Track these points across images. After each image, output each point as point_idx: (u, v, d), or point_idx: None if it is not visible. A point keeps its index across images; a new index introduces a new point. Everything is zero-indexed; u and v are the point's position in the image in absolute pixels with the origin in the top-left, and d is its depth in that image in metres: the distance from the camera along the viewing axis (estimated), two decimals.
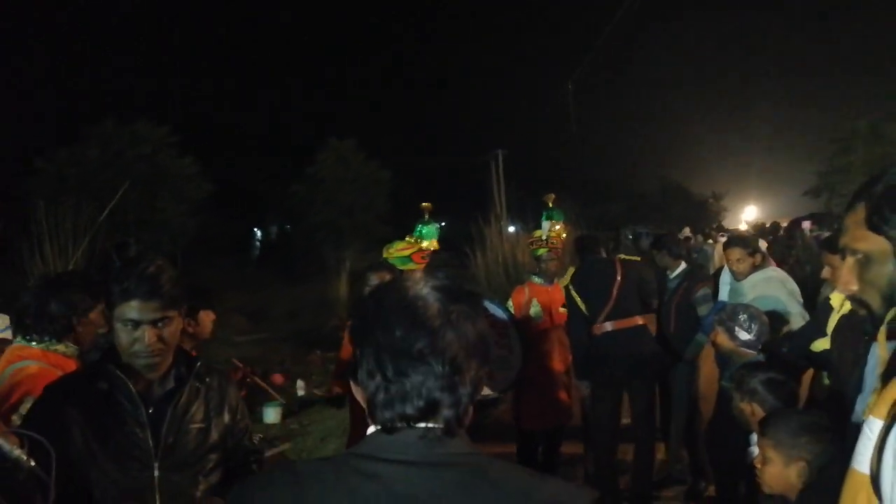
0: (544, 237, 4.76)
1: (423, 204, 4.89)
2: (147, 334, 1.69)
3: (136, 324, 1.69)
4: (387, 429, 1.02)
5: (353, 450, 1.07)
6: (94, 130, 16.85)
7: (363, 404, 1.07)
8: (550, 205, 4.99)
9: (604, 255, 4.76)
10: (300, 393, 7.70)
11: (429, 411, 1.01)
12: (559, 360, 4.60)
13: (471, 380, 1.03)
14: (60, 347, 2.29)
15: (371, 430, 1.06)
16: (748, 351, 3.36)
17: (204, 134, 23.89)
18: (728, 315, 3.52)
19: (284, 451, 5.68)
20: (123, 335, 1.71)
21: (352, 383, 1.09)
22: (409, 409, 1.01)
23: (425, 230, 4.72)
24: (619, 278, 4.37)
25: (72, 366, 2.23)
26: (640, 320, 4.40)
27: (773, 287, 4.12)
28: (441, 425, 1.02)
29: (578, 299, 4.45)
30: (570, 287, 4.50)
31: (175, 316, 1.77)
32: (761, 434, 2.17)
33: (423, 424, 1.02)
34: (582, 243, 4.88)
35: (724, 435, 3.35)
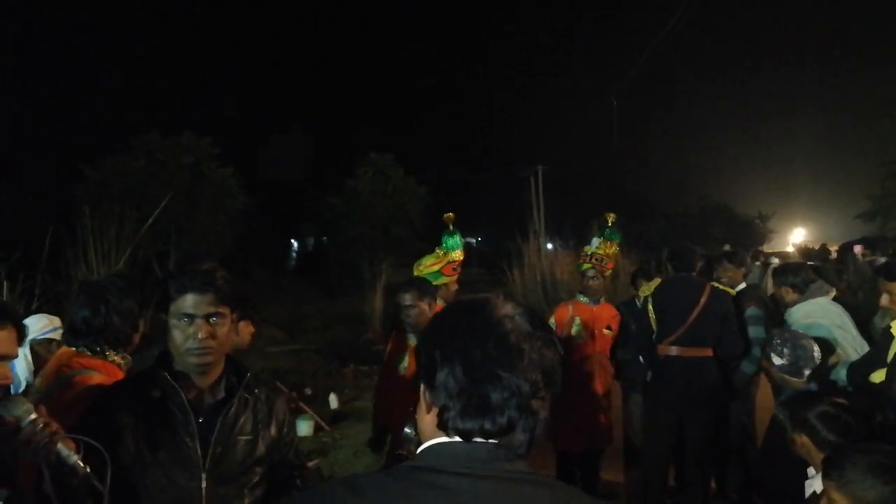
0: (589, 252, 4.61)
1: (447, 215, 4.77)
2: (201, 329, 1.72)
3: (191, 318, 1.73)
4: (463, 437, 1.04)
5: (413, 462, 1.08)
6: (141, 141, 17.25)
7: (430, 405, 1.08)
8: (610, 223, 4.81)
9: (696, 274, 4.47)
10: (332, 406, 7.66)
11: (507, 429, 1.04)
12: (599, 382, 4.47)
13: (544, 405, 1.07)
14: (117, 359, 2.25)
15: (431, 442, 1.07)
16: (794, 379, 3.23)
17: (244, 145, 24.35)
18: (769, 339, 3.46)
19: (319, 466, 5.62)
20: (178, 332, 1.75)
21: (423, 387, 1.11)
22: (489, 424, 1.03)
23: (450, 241, 4.63)
24: (702, 302, 4.17)
25: (119, 376, 2.18)
26: (709, 351, 4.19)
27: (814, 319, 3.99)
28: (513, 444, 1.05)
29: (653, 316, 4.30)
30: (649, 300, 4.36)
31: (227, 314, 1.80)
32: (824, 474, 2.05)
33: (496, 441, 1.04)
34: (676, 255, 4.57)
35: (774, 466, 3.21)
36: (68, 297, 2.37)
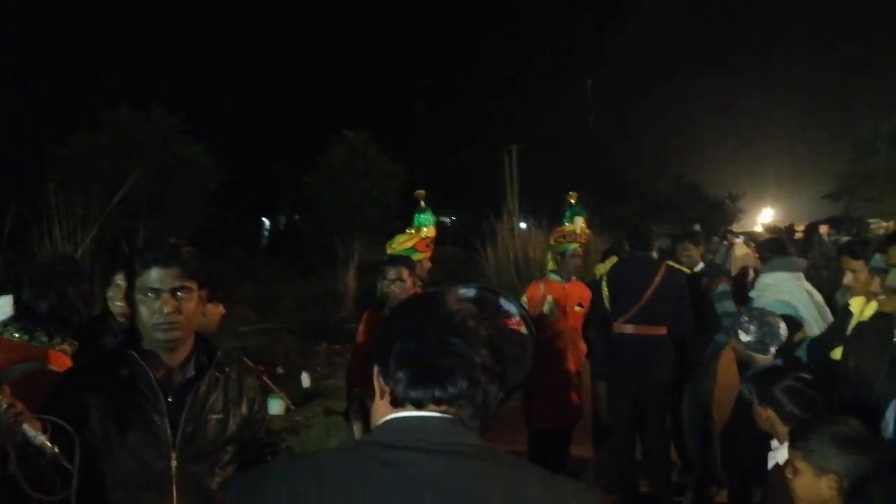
0: (578, 231, 4.64)
1: (417, 192, 4.79)
2: (167, 304, 1.71)
3: (157, 293, 1.72)
4: (415, 405, 1.07)
5: (371, 437, 1.10)
6: (109, 117, 16.85)
7: (384, 390, 1.11)
8: (574, 202, 4.87)
9: (654, 254, 4.54)
10: (305, 385, 7.65)
11: (457, 398, 1.06)
12: (572, 360, 4.54)
13: (495, 379, 1.09)
14: (66, 346, 2.16)
15: (386, 418, 1.09)
16: (760, 356, 3.30)
17: (215, 122, 23.89)
18: (737, 317, 3.54)
19: (289, 444, 5.63)
20: (144, 308, 1.73)
21: (376, 369, 1.13)
22: (439, 391, 1.06)
23: (422, 218, 4.65)
24: (657, 281, 4.23)
25: (68, 364, 2.10)
26: (663, 329, 4.28)
27: (777, 291, 4.10)
28: (465, 416, 1.07)
29: (606, 293, 4.36)
30: (604, 279, 4.42)
31: (194, 289, 1.78)
32: (791, 444, 2.11)
33: (446, 412, 1.07)
34: (635, 234, 4.58)
35: (739, 440, 3.29)
36: (29, 279, 2.20)
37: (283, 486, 1.03)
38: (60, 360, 2.11)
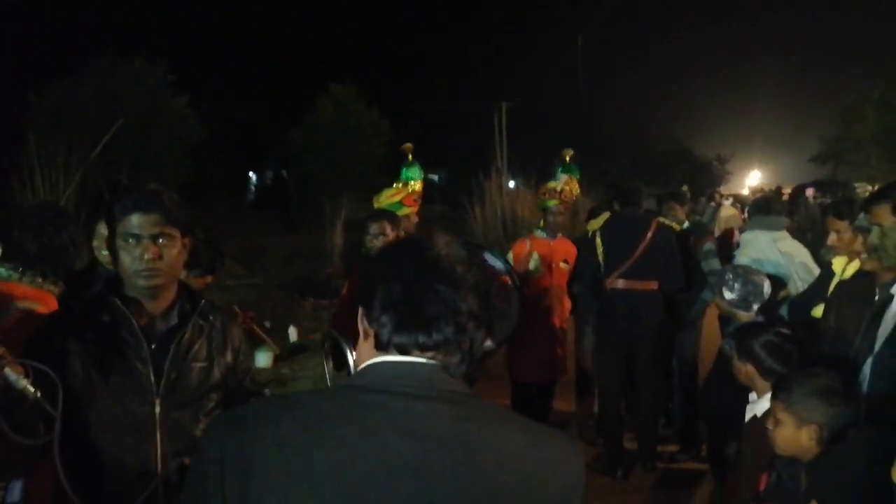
0: (559, 189, 4.65)
1: (405, 145, 4.74)
2: (147, 250, 1.68)
3: (137, 239, 1.69)
4: (400, 351, 1.05)
5: (352, 381, 1.09)
6: (91, 64, 16.44)
7: (367, 332, 1.09)
8: (568, 160, 4.87)
9: (642, 211, 4.61)
10: (292, 339, 7.69)
11: (442, 344, 1.05)
12: (556, 315, 4.58)
13: (481, 326, 1.08)
14: (54, 288, 2.14)
15: (371, 361, 1.07)
16: (742, 313, 3.34)
17: (201, 74, 23.36)
18: (722, 274, 3.57)
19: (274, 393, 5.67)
20: (124, 254, 1.71)
21: (361, 310, 1.11)
22: (424, 338, 1.04)
23: (409, 172, 4.62)
24: (648, 237, 4.26)
25: (55, 306, 2.09)
26: (654, 285, 4.32)
27: (752, 249, 4.13)
28: (450, 363, 1.06)
29: (600, 248, 4.39)
30: (598, 234, 4.45)
31: (177, 237, 1.75)
32: (773, 396, 2.15)
33: (432, 359, 1.05)
34: (622, 193, 4.67)
35: (719, 395, 3.35)
36: (19, 222, 2.19)
37: (267, 427, 1.01)
38: (48, 300, 2.10)
